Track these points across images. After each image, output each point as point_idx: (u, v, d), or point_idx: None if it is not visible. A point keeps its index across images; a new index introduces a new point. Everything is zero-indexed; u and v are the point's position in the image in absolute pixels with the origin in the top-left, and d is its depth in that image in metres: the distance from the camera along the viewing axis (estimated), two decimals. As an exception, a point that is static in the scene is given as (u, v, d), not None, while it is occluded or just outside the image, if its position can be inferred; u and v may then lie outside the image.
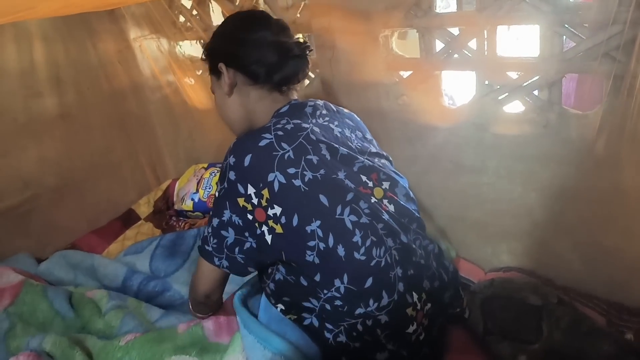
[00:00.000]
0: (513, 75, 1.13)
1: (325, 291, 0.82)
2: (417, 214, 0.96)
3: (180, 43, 1.82)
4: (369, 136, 1.04)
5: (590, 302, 1.12)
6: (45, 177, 1.65)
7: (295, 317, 0.86)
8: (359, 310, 0.81)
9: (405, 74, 1.33)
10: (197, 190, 1.80)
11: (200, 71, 1.81)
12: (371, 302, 0.81)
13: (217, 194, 0.86)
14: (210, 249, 0.87)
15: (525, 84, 1.12)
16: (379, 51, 1.31)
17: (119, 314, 1.11)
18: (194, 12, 1.71)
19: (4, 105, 1.50)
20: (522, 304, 1.05)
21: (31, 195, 1.60)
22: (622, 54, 0.95)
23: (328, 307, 0.82)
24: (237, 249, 0.85)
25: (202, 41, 1.73)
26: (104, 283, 1.35)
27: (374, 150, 0.99)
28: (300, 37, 1.47)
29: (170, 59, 1.83)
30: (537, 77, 1.09)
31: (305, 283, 0.84)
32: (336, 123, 0.97)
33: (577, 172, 1.09)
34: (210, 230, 0.86)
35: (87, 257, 1.42)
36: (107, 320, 1.11)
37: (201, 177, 1.84)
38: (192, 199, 1.79)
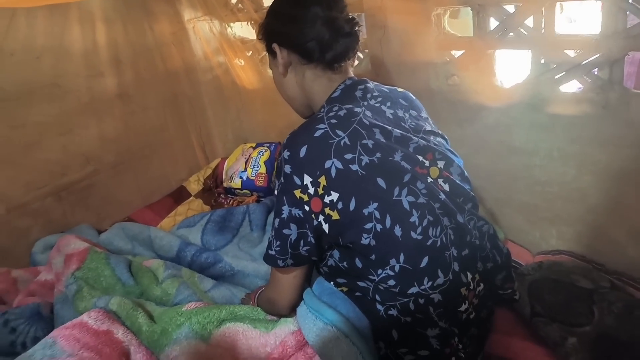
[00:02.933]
0: (571, 53, 1.10)
1: (379, 271, 0.82)
2: (471, 194, 0.95)
3: (232, 24, 1.86)
4: (424, 114, 1.03)
5: (645, 288, 1.09)
6: (105, 154, 1.74)
7: (347, 289, 0.89)
8: (412, 290, 0.82)
9: (457, 53, 1.31)
10: (245, 169, 1.85)
11: (250, 52, 1.85)
12: (425, 280, 0.81)
13: (276, 191, 0.87)
14: (273, 252, 0.87)
15: (584, 63, 1.08)
16: (430, 30, 1.29)
17: (174, 282, 1.17)
18: (246, -6, 1.74)
19: (69, 85, 1.58)
20: (572, 286, 1.04)
21: (92, 170, 1.70)
22: (692, 30, 0.91)
23: (381, 287, 0.83)
24: (301, 243, 0.85)
25: (252, 22, 1.76)
26: (159, 254, 1.42)
27: (428, 128, 0.98)
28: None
29: (221, 40, 1.88)
30: (598, 55, 1.06)
31: (359, 265, 0.85)
32: (388, 104, 0.96)
33: (635, 155, 1.05)
34: (273, 233, 0.87)
35: (144, 229, 1.49)
36: (164, 288, 1.17)
37: (249, 156, 1.89)
38: (241, 177, 1.84)
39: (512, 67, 1.33)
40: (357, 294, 0.87)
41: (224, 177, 1.94)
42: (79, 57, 1.60)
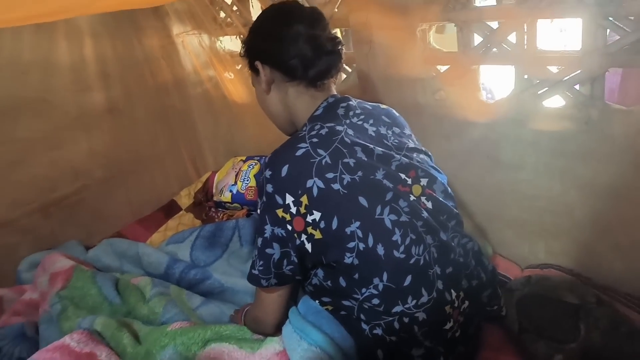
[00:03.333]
0: (553, 69, 1.11)
1: (363, 290, 0.82)
2: (455, 211, 0.95)
3: (221, 38, 1.86)
4: (407, 131, 1.03)
5: (631, 302, 1.09)
6: (94, 168, 1.73)
7: (332, 308, 0.89)
8: (397, 308, 0.82)
9: (442, 68, 1.32)
10: (236, 183, 1.84)
11: (240, 66, 1.85)
12: (410, 299, 0.81)
13: (258, 210, 0.87)
14: (256, 272, 0.87)
15: (566, 79, 1.09)
16: (416, 46, 1.30)
17: (162, 300, 1.17)
18: (234, 8, 1.75)
19: (57, 100, 1.58)
20: (559, 302, 1.04)
21: (81, 186, 1.69)
22: (670, 47, 0.92)
23: (366, 306, 0.83)
24: (284, 263, 0.85)
25: (241, 36, 1.77)
26: (148, 270, 1.41)
27: (412, 145, 0.98)
28: (336, 31, 1.48)
29: (211, 54, 1.88)
30: (579, 72, 1.07)
31: (343, 284, 0.85)
32: (371, 122, 0.96)
33: (619, 171, 1.06)
34: (256, 252, 0.87)
35: (132, 245, 1.48)
36: (151, 306, 1.16)
37: (239, 169, 1.88)
38: (231, 191, 1.83)
39: (500, 82, 1.34)
40: (342, 312, 0.87)
41: (214, 190, 1.93)
42: (67, 72, 1.60)
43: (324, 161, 0.82)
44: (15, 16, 1.01)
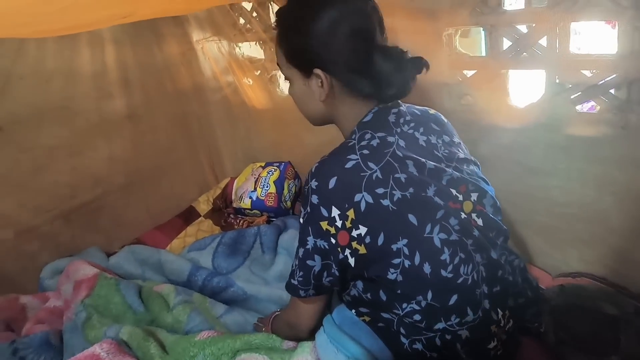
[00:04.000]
0: (587, 73, 1.08)
1: (404, 305, 0.80)
2: (504, 227, 0.92)
3: (240, 44, 1.86)
4: (456, 139, 0.99)
5: (671, 313, 1.06)
6: (114, 175, 1.73)
7: (370, 319, 0.86)
8: (439, 325, 0.79)
9: (469, 73, 1.30)
10: (255, 189, 1.83)
11: (259, 72, 1.84)
12: (453, 317, 0.79)
13: (301, 220, 0.84)
14: (296, 282, 0.85)
15: (600, 83, 1.06)
16: (442, 50, 1.28)
17: (186, 309, 1.15)
18: (254, 14, 1.74)
19: (79, 107, 1.58)
20: (596, 313, 1.00)
21: (101, 192, 1.69)
22: None
23: (406, 320, 0.81)
24: (325, 275, 0.83)
25: (261, 42, 1.76)
26: (170, 278, 1.40)
27: (461, 156, 0.95)
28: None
29: (230, 60, 1.88)
30: (615, 75, 1.04)
31: (384, 298, 0.82)
32: (421, 130, 0.92)
33: (657, 176, 1.03)
34: (296, 262, 0.85)
35: (154, 252, 1.47)
36: (175, 315, 1.15)
37: (259, 175, 1.87)
38: (250, 197, 1.82)
39: (526, 87, 1.31)
40: (380, 324, 0.85)
41: (233, 197, 1.93)
42: (88, 79, 1.60)
43: (374, 175, 0.78)
44: (42, 29, 1.01)
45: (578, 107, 1.12)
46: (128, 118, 1.75)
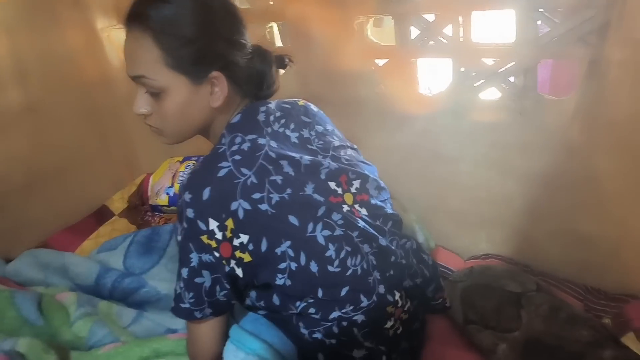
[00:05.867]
0: (489, 61, 1.13)
1: (297, 303, 0.79)
2: (390, 210, 0.93)
3: (151, 33, 1.76)
4: (329, 127, 0.97)
5: (568, 288, 1.13)
6: (13, 174, 1.58)
7: (269, 317, 0.85)
8: (334, 314, 0.79)
9: (381, 62, 1.31)
10: (172, 184, 1.76)
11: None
12: (347, 305, 0.79)
13: (179, 237, 0.77)
14: (187, 305, 0.78)
15: (500, 70, 1.11)
16: (354, 39, 1.28)
17: (87, 323, 1.07)
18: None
19: (-35, 100, 1.43)
20: (501, 291, 1.05)
21: (-1, 193, 1.54)
22: (596, 38, 0.95)
23: (303, 314, 0.80)
24: (217, 289, 0.78)
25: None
26: (76, 282, 1.30)
27: (337, 143, 0.93)
28: (272, 25, 1.44)
29: (140, 49, 1.78)
30: (513, 63, 1.09)
31: (277, 302, 0.81)
32: (292, 126, 0.89)
33: (552, 159, 1.09)
34: (182, 284, 0.77)
35: (58, 255, 1.36)
36: (75, 331, 1.05)
37: (176, 170, 1.80)
38: (167, 194, 1.75)
39: (437, 76, 1.35)
40: (279, 319, 0.84)
41: (149, 193, 1.83)
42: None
43: (249, 181, 0.75)
44: None
45: (481, 95, 1.16)
46: (27, 111, 1.61)
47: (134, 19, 0.79)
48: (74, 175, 1.78)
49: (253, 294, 0.83)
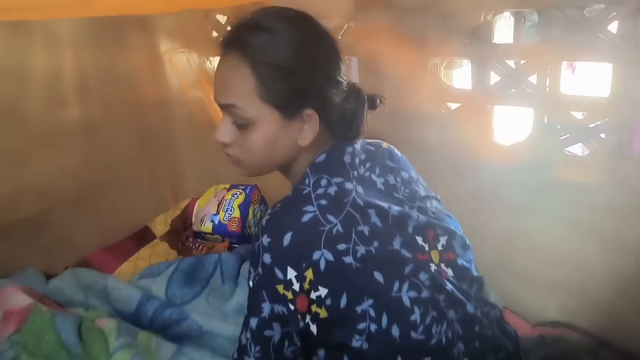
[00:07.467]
0: (578, 115, 1.05)
1: None
2: (475, 273, 0.86)
3: (211, 58, 1.76)
4: (414, 174, 0.92)
5: (655, 371, 1.01)
6: (62, 188, 1.57)
7: None
8: None
9: (452, 105, 1.25)
10: (218, 212, 1.71)
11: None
12: None
13: (250, 283, 0.72)
14: (252, 359, 0.71)
15: (591, 126, 1.03)
16: (426, 80, 1.23)
17: (126, 355, 1.03)
18: (229, 28, 1.65)
19: (27, 113, 1.43)
20: (581, 369, 0.94)
21: (46, 207, 1.52)
22: None
23: None
24: (286, 344, 0.71)
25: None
26: (116, 307, 1.26)
27: (423, 193, 0.87)
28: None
29: (199, 74, 1.78)
30: (606, 119, 1.01)
31: None
32: (377, 171, 0.83)
33: (643, 227, 0.99)
34: (249, 335, 0.71)
35: (100, 277, 1.33)
36: (114, 362, 1.02)
37: (222, 198, 1.76)
38: (212, 221, 1.70)
39: (512, 125, 1.28)
40: None
41: (193, 219, 1.80)
42: (41, 82, 1.45)
43: (334, 230, 0.69)
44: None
45: (566, 150, 1.08)
46: (83, 128, 1.61)
47: (233, 45, 0.75)
48: (120, 194, 1.77)
49: (322, 352, 0.75)
